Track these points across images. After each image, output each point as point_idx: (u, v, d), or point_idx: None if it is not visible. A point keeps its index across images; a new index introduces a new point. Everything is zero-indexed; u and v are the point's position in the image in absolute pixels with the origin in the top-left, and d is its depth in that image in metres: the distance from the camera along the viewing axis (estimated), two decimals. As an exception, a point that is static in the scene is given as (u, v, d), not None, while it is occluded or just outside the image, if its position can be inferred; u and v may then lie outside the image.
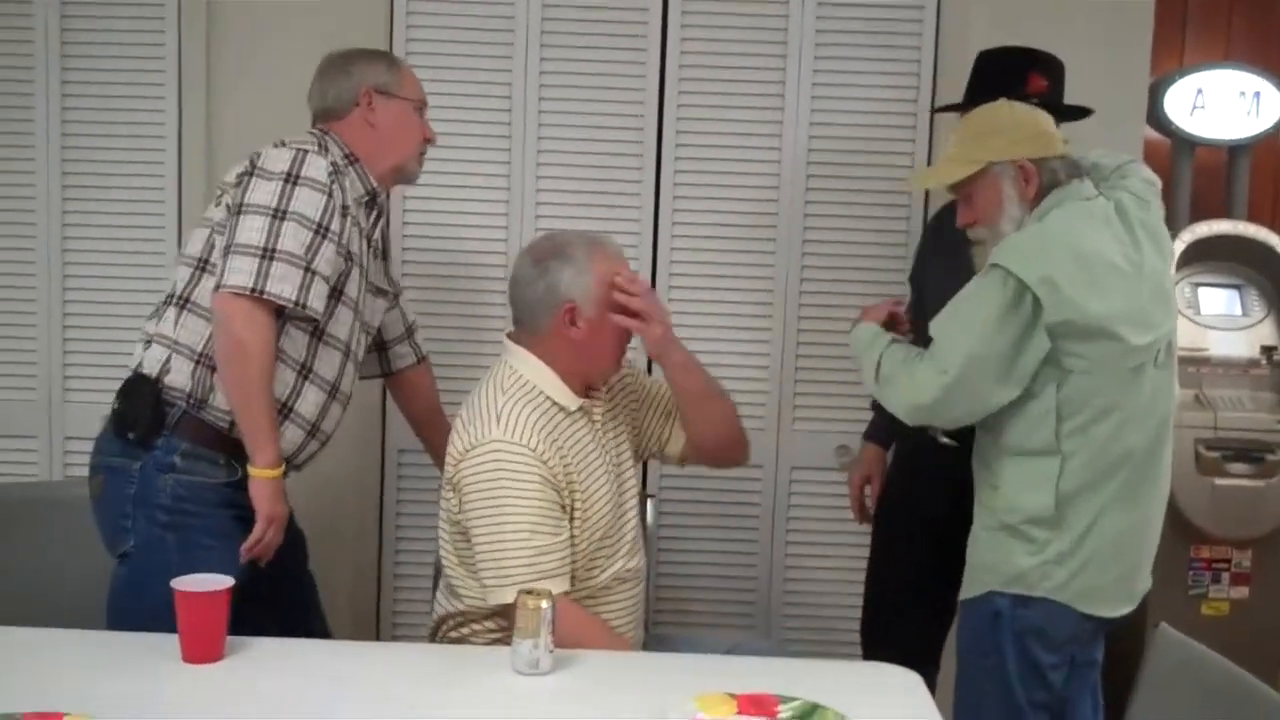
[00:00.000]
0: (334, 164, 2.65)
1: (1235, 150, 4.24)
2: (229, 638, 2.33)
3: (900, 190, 3.55)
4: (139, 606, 2.54)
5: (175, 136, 3.59)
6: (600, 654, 2.40)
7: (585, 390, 2.67)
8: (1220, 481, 3.79)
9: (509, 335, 2.68)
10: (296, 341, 2.67)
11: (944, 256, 3.08)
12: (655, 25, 3.53)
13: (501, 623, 2.56)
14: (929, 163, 3.52)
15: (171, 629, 2.29)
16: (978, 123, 2.65)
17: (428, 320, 3.50)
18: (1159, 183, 2.69)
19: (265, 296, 2.53)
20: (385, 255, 2.94)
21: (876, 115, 3.54)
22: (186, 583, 2.31)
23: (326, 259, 2.59)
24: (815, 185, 3.57)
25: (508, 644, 2.31)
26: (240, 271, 2.53)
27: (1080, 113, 3.00)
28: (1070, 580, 2.54)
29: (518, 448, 2.50)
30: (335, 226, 2.61)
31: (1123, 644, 3.06)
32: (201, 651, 2.29)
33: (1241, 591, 3.86)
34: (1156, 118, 4.10)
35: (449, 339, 3.55)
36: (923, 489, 3.10)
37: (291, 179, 2.58)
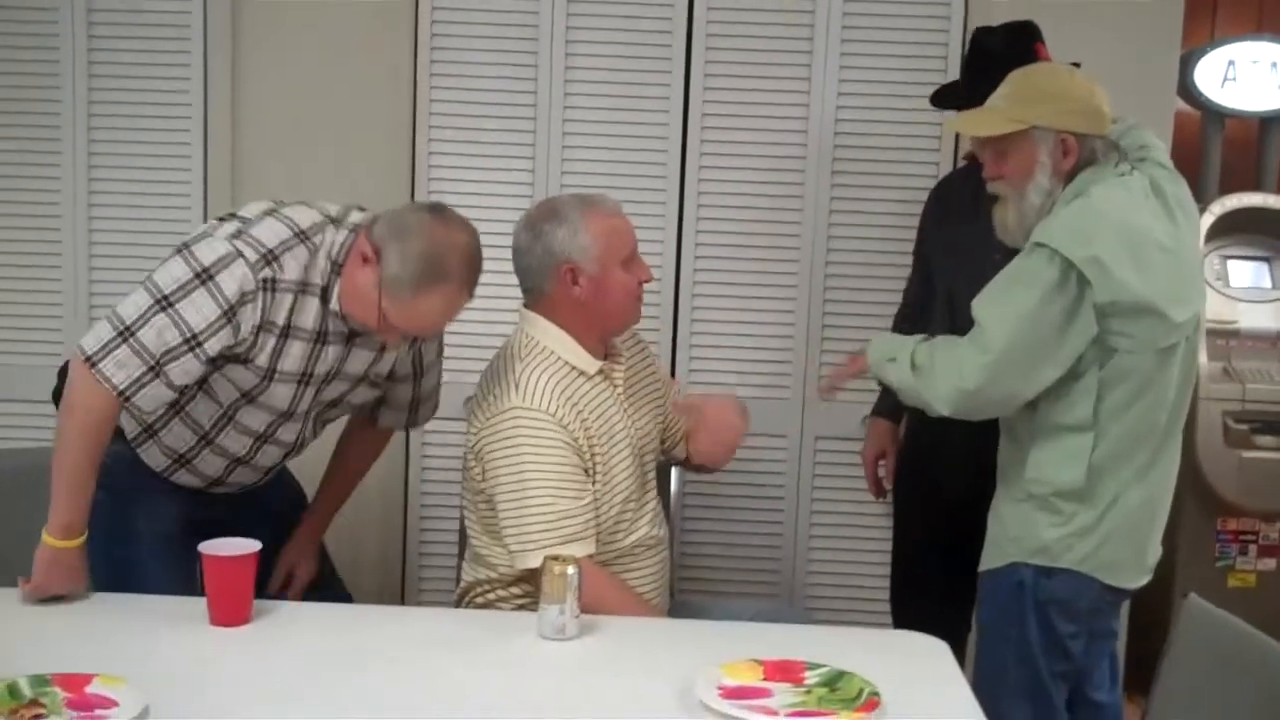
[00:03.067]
0: (267, 280, 2.35)
1: (1266, 122, 4.22)
2: (256, 601, 2.35)
3: (927, 162, 3.53)
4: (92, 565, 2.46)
5: (201, 141, 3.59)
6: (626, 620, 2.41)
7: (605, 352, 2.67)
8: (1247, 454, 3.78)
9: (526, 305, 2.68)
10: (203, 410, 2.52)
11: (952, 227, 3.07)
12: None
13: (527, 589, 2.57)
14: (956, 139, 3.50)
15: (118, 588, 2.35)
16: (1034, 81, 2.57)
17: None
18: (1163, 145, 2.66)
19: (94, 371, 2.32)
20: (395, 376, 2.69)
21: (904, 86, 3.52)
22: (213, 547, 2.32)
23: (185, 370, 2.35)
24: (842, 155, 3.55)
25: (534, 610, 2.32)
26: (93, 336, 2.35)
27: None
28: (1094, 552, 2.54)
29: (537, 414, 2.51)
30: (218, 348, 2.35)
31: (1149, 615, 3.06)
32: (229, 614, 2.30)
33: (1269, 563, 3.85)
34: (1187, 89, 4.07)
35: (474, 319, 3.55)
36: (940, 458, 3.09)
37: (201, 276, 2.33)
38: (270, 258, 2.37)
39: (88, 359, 2.33)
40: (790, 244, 3.58)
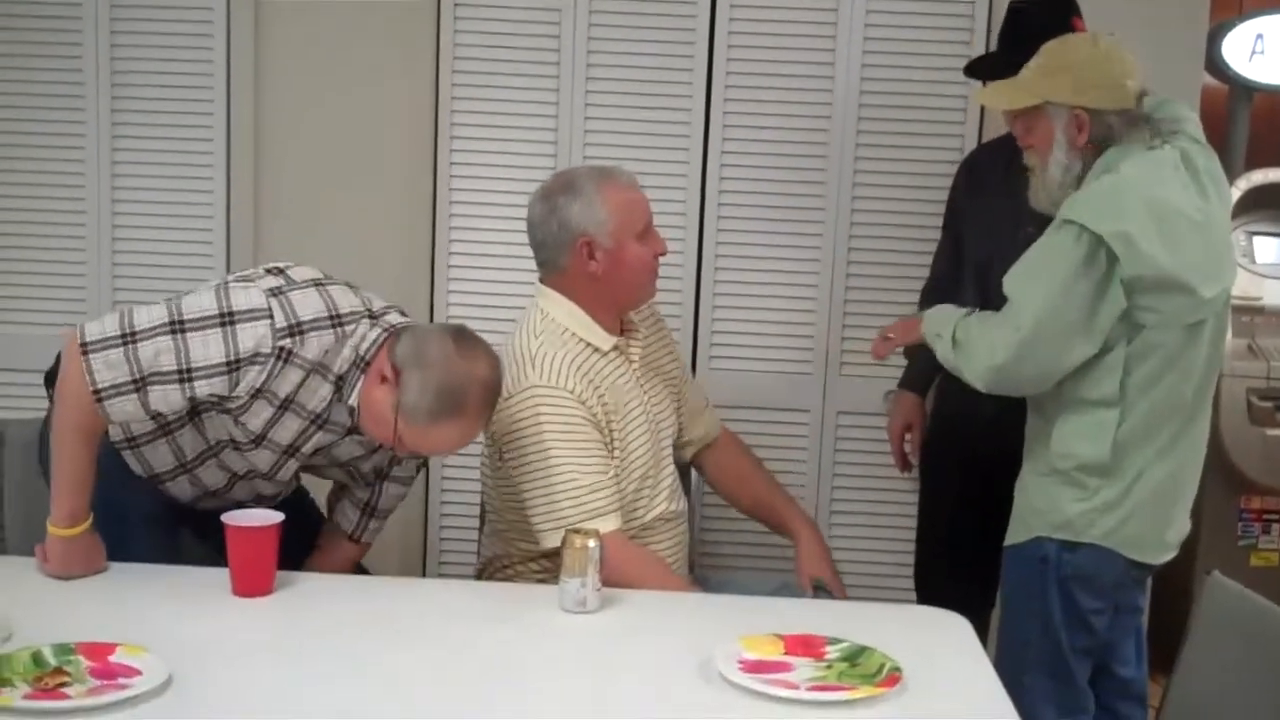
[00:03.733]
0: (283, 350, 2.30)
1: (1295, 97, 4.18)
2: (279, 572, 2.36)
3: (953, 135, 3.51)
4: None
5: (224, 111, 3.60)
6: (646, 594, 2.41)
7: (620, 327, 2.66)
8: (1272, 432, 3.76)
9: (540, 279, 2.67)
10: (189, 441, 2.49)
11: (983, 199, 3.05)
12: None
13: (547, 564, 2.57)
14: (982, 110, 3.48)
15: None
16: (1058, 54, 2.55)
17: (476, 275, 3.55)
18: (1196, 118, 2.64)
19: (85, 353, 2.28)
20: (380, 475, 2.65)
21: (929, 58, 3.50)
22: (237, 518, 2.33)
23: (166, 398, 2.30)
24: (866, 128, 3.53)
25: (554, 585, 2.33)
26: (97, 326, 2.31)
27: None
28: (1118, 527, 2.53)
29: (556, 391, 2.51)
30: (208, 392, 2.31)
31: (1171, 592, 3.05)
32: (251, 585, 2.31)
33: (1292, 543, 3.83)
34: (1215, 63, 4.04)
35: (493, 290, 3.58)
36: (966, 433, 3.08)
37: (224, 319, 2.30)
38: (296, 330, 2.32)
39: (83, 345, 2.30)
40: (814, 217, 3.56)
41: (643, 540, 2.63)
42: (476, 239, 3.60)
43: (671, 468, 2.75)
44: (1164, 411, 2.51)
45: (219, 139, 3.59)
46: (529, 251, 2.67)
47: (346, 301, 2.40)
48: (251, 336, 2.29)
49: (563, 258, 2.58)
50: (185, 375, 2.29)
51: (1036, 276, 2.46)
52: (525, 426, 2.51)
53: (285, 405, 2.38)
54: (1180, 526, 2.62)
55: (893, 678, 1.99)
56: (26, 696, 1.84)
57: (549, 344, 2.55)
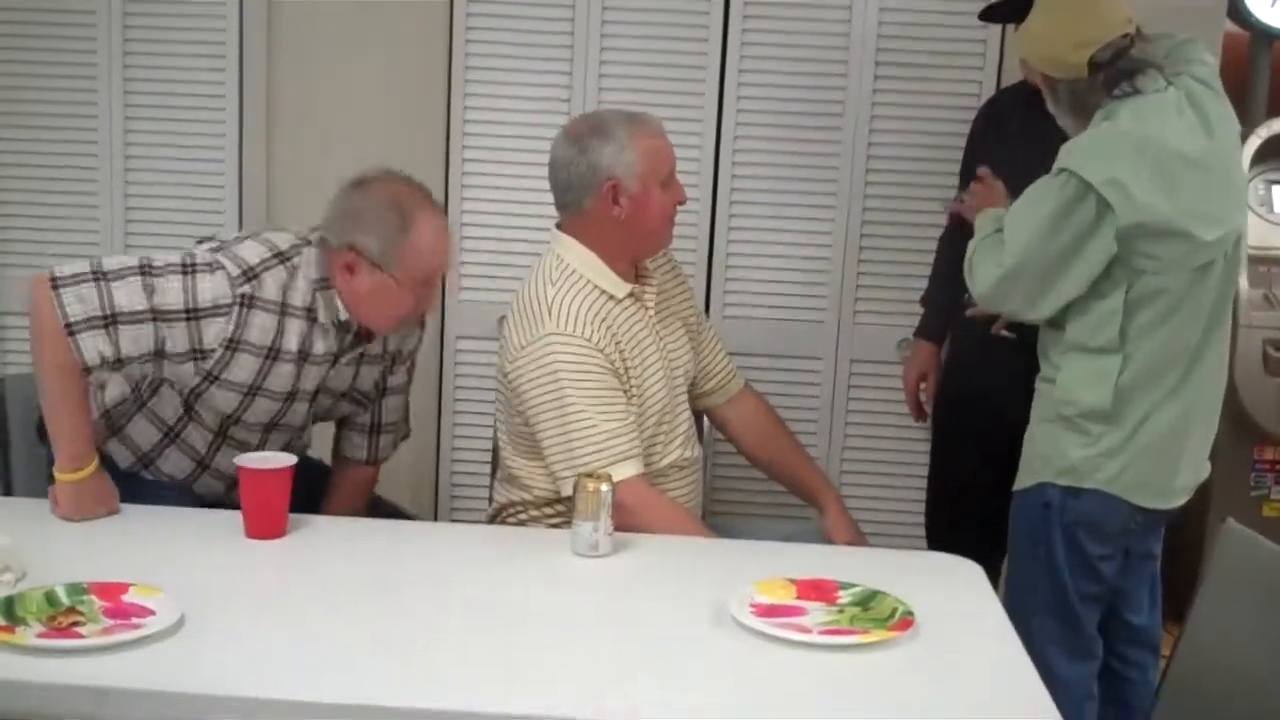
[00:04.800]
0: (245, 297, 2.39)
1: (1317, 45, 4.12)
2: (291, 515, 2.36)
3: (970, 80, 3.48)
4: None
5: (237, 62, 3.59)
6: (658, 538, 2.41)
7: (635, 274, 2.65)
8: (1287, 382, 3.74)
9: (556, 225, 2.66)
10: (166, 403, 2.55)
11: (1002, 146, 3.02)
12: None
13: (560, 509, 2.58)
14: (1001, 53, 3.45)
15: None
16: (1032, 14, 2.57)
17: (490, 222, 3.54)
18: (1214, 61, 2.62)
19: (55, 287, 2.34)
20: (385, 360, 2.68)
21: (948, 1, 3.46)
22: (250, 460, 2.34)
23: (137, 341, 2.36)
24: (883, 73, 3.50)
25: (568, 529, 2.33)
26: (67, 266, 2.37)
27: None
28: (1121, 473, 2.53)
29: (573, 339, 2.50)
30: (175, 342, 2.38)
31: (1184, 541, 3.04)
32: (264, 528, 2.32)
33: (1305, 494, 3.82)
34: (1237, 10, 3.98)
35: (507, 236, 3.57)
36: (981, 382, 3.08)
37: (187, 269, 2.39)
38: (251, 274, 2.42)
39: (54, 280, 2.34)
40: (829, 164, 3.54)
41: (659, 486, 2.63)
42: (489, 184, 3.58)
43: (687, 414, 2.74)
44: (1168, 357, 2.50)
45: (231, 95, 3.58)
46: (544, 199, 2.66)
47: (283, 239, 2.50)
48: (210, 289, 2.38)
49: (586, 200, 2.57)
50: (153, 315, 2.36)
51: (1024, 218, 2.50)
52: (542, 375, 2.50)
53: (272, 354, 2.45)
54: (1194, 471, 2.61)
55: (905, 622, 1.99)
56: (40, 635, 1.85)
57: (565, 291, 2.54)
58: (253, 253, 2.45)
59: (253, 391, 2.49)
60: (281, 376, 2.49)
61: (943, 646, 1.98)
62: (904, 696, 1.84)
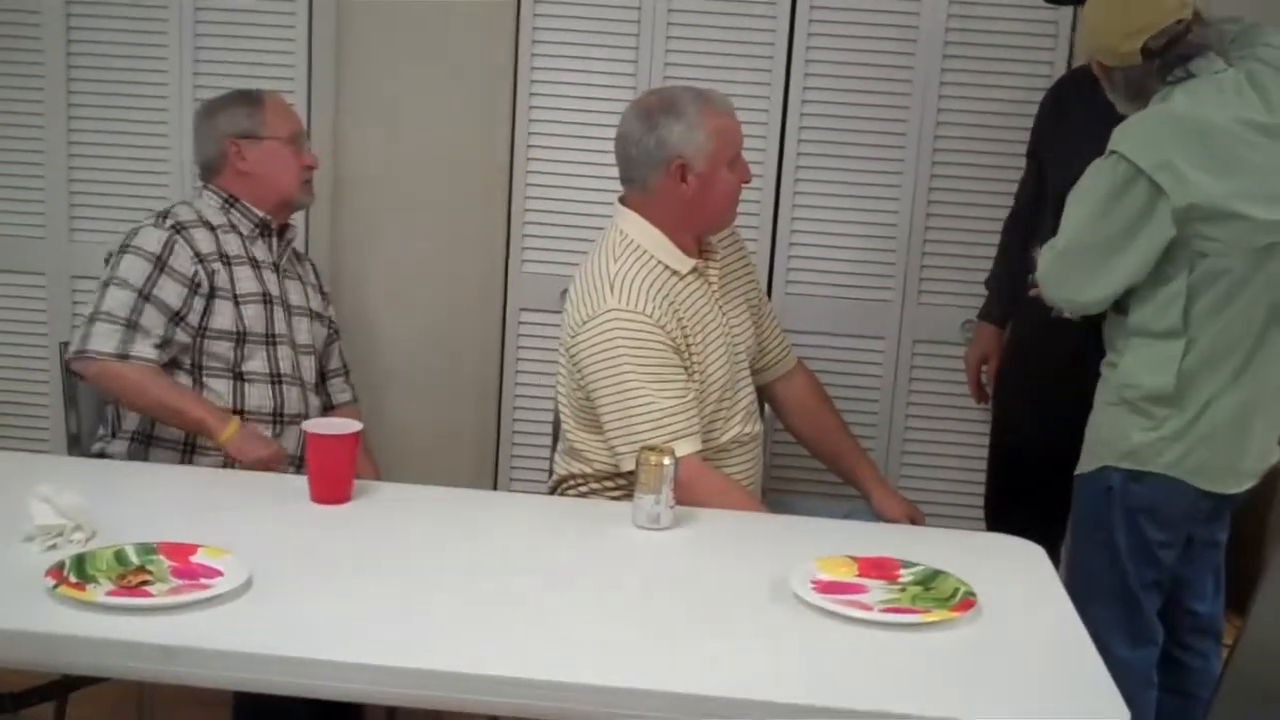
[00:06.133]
0: (176, 225, 2.78)
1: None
2: (356, 481, 2.38)
3: (1041, 60, 3.44)
4: None
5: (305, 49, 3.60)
6: (720, 513, 2.42)
7: (698, 250, 2.65)
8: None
9: (620, 199, 2.66)
10: (219, 391, 2.80)
11: (1067, 128, 3.00)
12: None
13: (621, 483, 2.59)
14: (1072, 35, 3.41)
15: None
16: (1087, 9, 2.58)
17: (559, 194, 3.55)
18: None
19: (83, 355, 2.70)
20: (321, 295, 3.07)
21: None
22: (317, 425, 2.36)
23: (150, 314, 2.71)
24: (952, 53, 3.46)
25: (629, 502, 2.33)
26: (75, 336, 2.74)
27: None
28: (1185, 456, 2.50)
29: (635, 315, 2.50)
30: (171, 293, 2.73)
31: (1247, 530, 3.01)
32: (330, 492, 2.35)
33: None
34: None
35: (571, 210, 3.57)
36: (1042, 364, 3.06)
37: (123, 250, 2.76)
38: (164, 214, 2.81)
39: (76, 354, 2.71)
40: (896, 143, 3.51)
41: (717, 462, 2.63)
42: (555, 158, 3.59)
43: (749, 390, 2.75)
44: (1233, 339, 2.48)
45: (300, 91, 3.59)
46: (608, 172, 2.66)
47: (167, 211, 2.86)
48: (150, 238, 2.75)
49: (654, 177, 2.57)
50: (141, 290, 2.71)
51: (1078, 200, 2.50)
52: (603, 350, 2.51)
53: (225, 260, 2.80)
54: (1260, 456, 2.58)
55: (967, 602, 1.98)
56: (110, 594, 1.88)
57: (628, 267, 2.55)
58: (150, 219, 2.81)
59: (238, 301, 2.80)
60: (248, 279, 2.83)
61: (1004, 628, 1.97)
62: (965, 676, 1.83)
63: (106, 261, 2.78)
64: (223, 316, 2.77)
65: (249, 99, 2.90)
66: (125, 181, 3.65)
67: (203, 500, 2.36)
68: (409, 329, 3.36)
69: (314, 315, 2.98)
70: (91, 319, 2.70)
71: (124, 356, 2.68)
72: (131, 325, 2.69)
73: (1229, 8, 2.64)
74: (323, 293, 3.08)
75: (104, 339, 2.68)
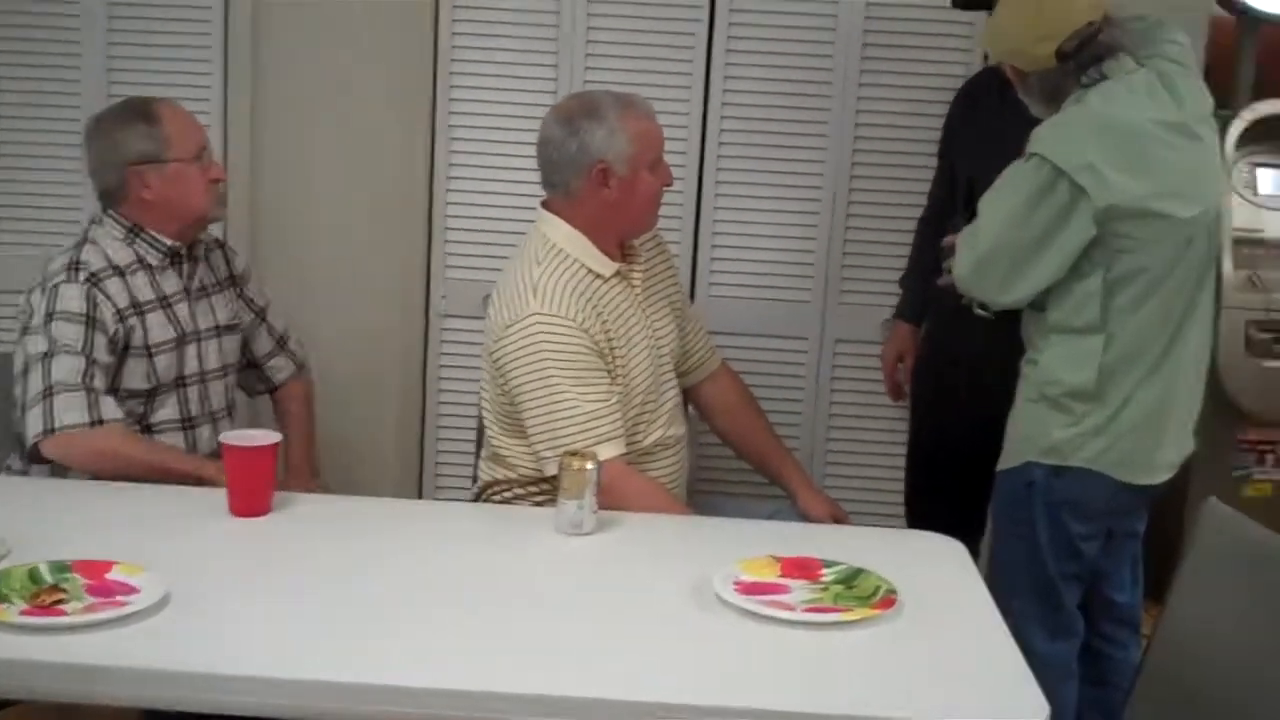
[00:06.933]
0: (91, 277, 2.60)
1: (1301, 28, 4.13)
2: (275, 493, 2.36)
3: (959, 61, 3.48)
4: None
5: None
6: (643, 517, 2.42)
7: (621, 253, 2.65)
8: (1269, 363, 3.74)
9: (542, 204, 2.66)
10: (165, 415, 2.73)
11: (979, 128, 3.04)
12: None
13: (545, 488, 2.58)
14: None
15: None
16: (996, 9, 2.60)
17: (481, 200, 3.52)
18: (1187, 40, 2.62)
19: (52, 430, 2.52)
20: (236, 284, 2.91)
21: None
22: (234, 437, 2.33)
23: (98, 373, 2.57)
24: (870, 54, 3.49)
25: (553, 508, 2.33)
26: (33, 417, 2.54)
27: None
28: (1106, 450, 2.54)
29: (558, 319, 2.50)
30: (104, 348, 2.58)
31: (1166, 521, 3.05)
32: (249, 505, 2.32)
33: (1287, 474, 3.84)
34: (1223, -7, 3.99)
35: (493, 215, 3.56)
36: (957, 361, 3.09)
37: (48, 319, 2.57)
38: (76, 266, 2.62)
39: (46, 430, 2.51)
40: (816, 144, 3.54)
41: (642, 465, 2.63)
42: (476, 163, 3.58)
43: (673, 392, 2.75)
44: (1150, 335, 2.51)
45: (216, 59, 3.56)
46: (530, 177, 2.65)
47: (68, 253, 2.68)
48: (70, 297, 2.57)
49: (576, 181, 2.57)
50: (83, 350, 2.55)
51: (996, 203, 2.52)
52: (527, 354, 2.50)
53: (141, 308, 2.65)
54: (1178, 447, 2.63)
55: (888, 599, 2.00)
56: (23, 613, 1.84)
57: (551, 270, 2.54)
58: (58, 265, 2.64)
59: (150, 354, 2.66)
60: (160, 326, 2.68)
61: (925, 624, 1.98)
62: (887, 674, 1.84)
63: (24, 329, 2.63)
64: (134, 375, 2.65)
65: (146, 115, 2.67)
66: (39, 181, 3.60)
67: (118, 515, 2.32)
68: (331, 337, 3.33)
69: (224, 329, 2.83)
70: (46, 395, 2.52)
71: (97, 423, 2.53)
72: (91, 390, 2.54)
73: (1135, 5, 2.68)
74: (234, 278, 2.91)
75: (71, 411, 2.52)
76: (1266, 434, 3.83)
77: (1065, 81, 2.51)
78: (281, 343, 3.02)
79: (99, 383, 2.56)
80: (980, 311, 2.70)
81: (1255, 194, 3.86)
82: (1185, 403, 2.61)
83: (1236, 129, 3.80)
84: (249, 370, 2.99)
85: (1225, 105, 3.63)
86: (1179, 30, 2.61)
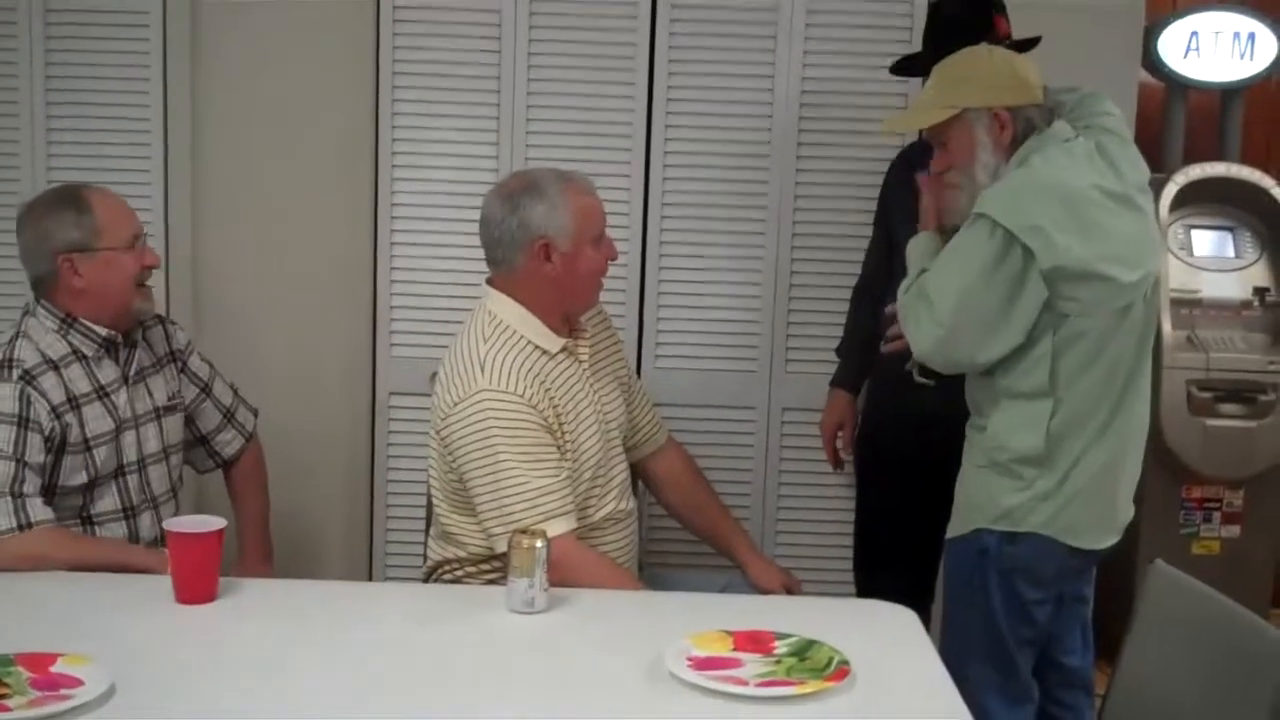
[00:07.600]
0: (23, 375, 2.56)
1: (1228, 93, 4.23)
2: (221, 579, 2.33)
3: (893, 133, 3.52)
4: None
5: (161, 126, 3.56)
6: (594, 593, 2.41)
7: (568, 328, 2.66)
8: (1212, 422, 3.81)
9: (487, 280, 2.66)
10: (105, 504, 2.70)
11: (912, 193, 3.06)
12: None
13: (496, 565, 2.56)
14: (922, 104, 3.50)
15: None
16: (955, 67, 2.62)
17: (419, 277, 3.55)
18: (1119, 112, 2.67)
19: None
20: (176, 360, 2.86)
21: (869, 57, 3.50)
22: (178, 524, 2.31)
23: (29, 476, 2.52)
24: (807, 127, 3.54)
25: (504, 586, 2.32)
26: None
27: (1028, 44, 2.94)
28: (1056, 515, 2.54)
29: (507, 395, 2.49)
30: (36, 448, 2.54)
31: (1115, 582, 3.08)
32: (195, 592, 2.29)
33: (1233, 530, 3.88)
34: (1151, 61, 4.08)
35: (438, 292, 3.57)
36: (900, 428, 3.11)
37: None
38: (9, 364, 2.57)
39: None
40: (757, 216, 3.57)
41: (592, 540, 2.62)
42: (419, 241, 3.58)
43: (622, 467, 2.75)
44: (1096, 398, 2.53)
45: (156, 143, 3.55)
46: (475, 254, 2.66)
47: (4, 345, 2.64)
48: (3, 397, 2.53)
49: (518, 258, 2.58)
50: (16, 455, 2.51)
51: (953, 274, 2.50)
52: (475, 431, 2.49)
53: (78, 402, 2.61)
54: (1123, 511, 2.64)
55: (841, 671, 1.99)
56: (-35, 709, 1.81)
57: (498, 347, 2.54)
58: None
59: (89, 447, 2.63)
60: (97, 418, 2.64)
61: (879, 695, 1.98)
62: (842, 746, 1.84)
63: None
64: (72, 471, 2.61)
65: (76, 203, 2.63)
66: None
67: (62, 606, 2.29)
68: (276, 417, 3.31)
69: (164, 410, 2.79)
70: None
71: (24, 527, 2.48)
72: (19, 496, 2.49)
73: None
74: (174, 354, 2.85)
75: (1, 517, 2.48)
76: (1212, 491, 3.89)
77: (1047, 125, 2.54)
78: (229, 415, 2.97)
79: (29, 487, 2.51)
80: (921, 379, 2.71)
81: (1191, 255, 3.94)
82: (1131, 466, 2.63)
83: (1169, 193, 3.88)
84: (196, 447, 2.95)
85: (1157, 169, 3.71)
86: (1110, 101, 2.66)
